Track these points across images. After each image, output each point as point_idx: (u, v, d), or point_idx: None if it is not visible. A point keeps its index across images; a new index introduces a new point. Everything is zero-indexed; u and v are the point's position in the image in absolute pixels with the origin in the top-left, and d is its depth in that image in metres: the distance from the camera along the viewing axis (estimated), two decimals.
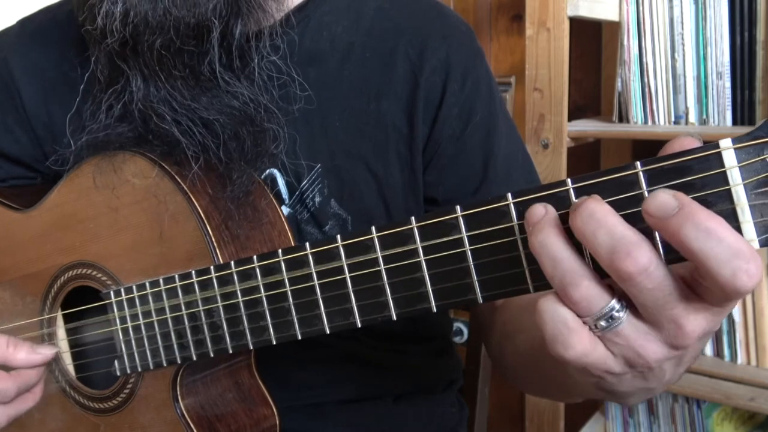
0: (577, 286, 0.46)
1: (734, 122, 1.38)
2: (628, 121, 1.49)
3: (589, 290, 0.46)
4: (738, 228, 0.43)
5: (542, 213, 0.47)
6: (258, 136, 0.74)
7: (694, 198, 0.44)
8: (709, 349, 1.49)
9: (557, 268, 0.46)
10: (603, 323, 0.46)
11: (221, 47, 0.72)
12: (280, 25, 0.79)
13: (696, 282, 0.45)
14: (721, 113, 1.38)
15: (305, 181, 0.83)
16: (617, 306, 0.46)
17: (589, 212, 0.44)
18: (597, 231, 0.44)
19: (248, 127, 0.74)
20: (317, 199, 0.83)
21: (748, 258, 0.41)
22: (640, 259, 0.43)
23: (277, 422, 0.80)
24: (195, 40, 0.71)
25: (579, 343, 0.47)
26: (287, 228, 0.77)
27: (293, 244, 0.77)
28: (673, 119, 1.44)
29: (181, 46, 0.71)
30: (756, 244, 0.43)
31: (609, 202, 0.46)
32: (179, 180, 0.73)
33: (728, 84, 1.36)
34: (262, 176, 0.82)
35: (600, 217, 0.44)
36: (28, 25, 0.93)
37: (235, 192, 0.73)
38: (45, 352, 0.78)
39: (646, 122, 1.47)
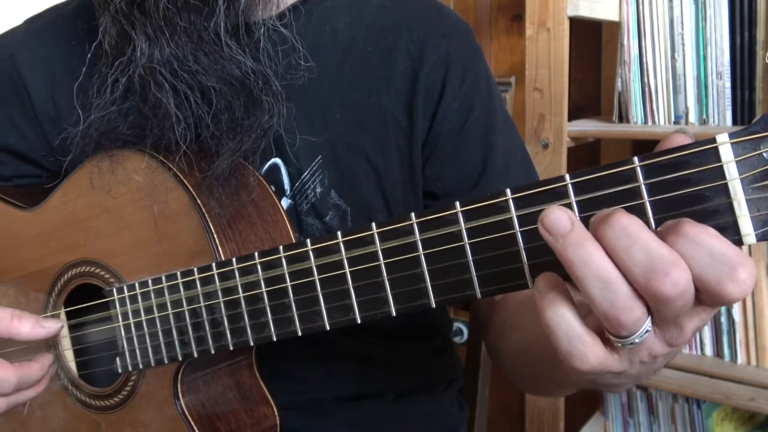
0: (630, 310, 0.44)
1: (734, 122, 1.38)
2: (628, 121, 1.49)
3: (639, 312, 0.44)
4: (735, 222, 0.44)
5: (568, 222, 0.44)
6: (251, 107, 0.75)
7: (691, 192, 0.44)
8: (709, 349, 1.49)
9: (609, 291, 0.43)
10: (637, 340, 0.46)
11: (227, 10, 0.73)
12: (286, 13, 0.80)
13: None
14: (721, 113, 1.38)
15: (306, 172, 0.83)
16: (649, 321, 0.45)
17: (621, 227, 0.43)
18: (631, 248, 0.42)
19: (242, 98, 0.74)
20: (318, 190, 0.84)
21: (734, 264, 0.41)
22: (680, 281, 0.42)
23: (278, 422, 0.80)
24: None
25: (596, 356, 0.47)
26: (288, 224, 0.78)
27: (293, 236, 0.78)
28: (673, 119, 1.44)
29: None
30: (752, 239, 0.43)
31: (606, 196, 0.46)
32: (182, 177, 0.73)
33: (728, 84, 1.36)
34: (266, 165, 0.83)
35: (633, 233, 0.43)
36: (35, 22, 0.93)
37: (219, 168, 0.73)
38: (50, 326, 0.77)
39: (646, 122, 1.47)
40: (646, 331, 0.45)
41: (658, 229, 0.45)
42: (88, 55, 0.82)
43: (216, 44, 0.73)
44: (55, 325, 0.78)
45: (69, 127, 0.81)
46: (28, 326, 0.76)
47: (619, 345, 0.46)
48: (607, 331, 0.46)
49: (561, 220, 0.44)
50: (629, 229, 0.43)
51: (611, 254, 0.43)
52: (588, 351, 0.46)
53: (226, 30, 0.73)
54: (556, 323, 0.46)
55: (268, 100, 0.75)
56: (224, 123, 0.74)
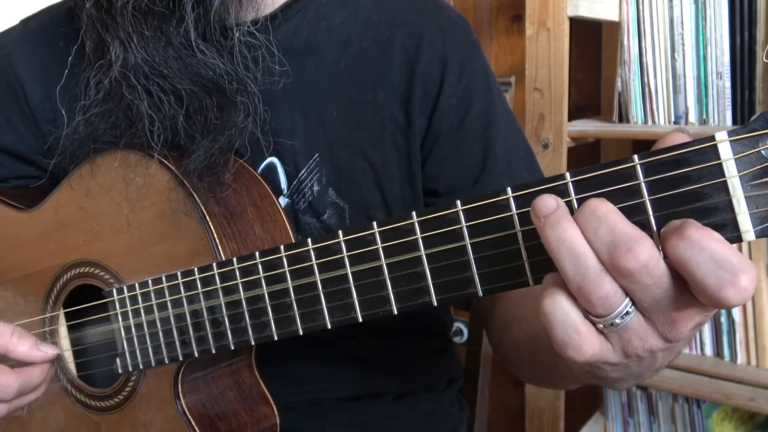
0: (599, 285, 0.45)
1: (734, 122, 1.38)
2: (628, 121, 1.49)
3: (609, 287, 0.45)
4: (734, 219, 0.44)
5: (554, 205, 0.46)
6: (224, 108, 0.75)
7: (690, 190, 0.45)
8: (709, 349, 1.50)
9: (579, 266, 0.45)
10: (618, 321, 0.46)
11: (198, 16, 0.73)
12: (274, 16, 0.80)
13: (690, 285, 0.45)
14: (721, 113, 1.38)
15: (303, 171, 0.83)
16: (629, 303, 0.46)
17: (591, 209, 0.45)
18: (599, 227, 0.44)
19: (215, 98, 0.75)
20: (315, 188, 0.83)
21: (736, 270, 0.41)
22: (641, 256, 0.43)
23: (278, 421, 0.81)
24: (165, 1, 0.72)
25: (590, 347, 0.47)
26: (287, 224, 0.78)
27: (292, 236, 0.78)
28: (673, 119, 1.44)
29: (150, 5, 0.72)
30: (751, 235, 0.43)
31: (607, 194, 0.47)
32: (182, 178, 0.73)
33: (728, 84, 1.36)
34: (263, 164, 0.83)
35: (602, 214, 0.45)
36: (30, 23, 0.93)
37: (193, 164, 0.73)
38: (47, 351, 0.78)
39: (646, 122, 1.47)
40: (627, 313, 0.46)
41: (662, 230, 0.45)
42: (70, 58, 0.83)
43: (186, 48, 0.74)
44: (52, 351, 0.79)
45: (54, 129, 0.82)
46: (25, 347, 0.77)
47: (601, 326, 0.47)
48: (587, 311, 0.47)
49: (548, 203, 0.46)
50: (598, 211, 0.45)
51: (584, 235, 0.45)
52: (583, 341, 0.47)
53: (197, 34, 0.74)
54: (551, 311, 0.47)
55: (243, 101, 0.75)
56: (198, 123, 0.75)
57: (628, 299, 0.46)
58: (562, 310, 0.47)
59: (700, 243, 0.42)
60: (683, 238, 0.42)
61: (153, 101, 0.74)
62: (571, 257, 0.45)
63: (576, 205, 0.48)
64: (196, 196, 0.72)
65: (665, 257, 0.44)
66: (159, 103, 0.74)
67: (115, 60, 0.74)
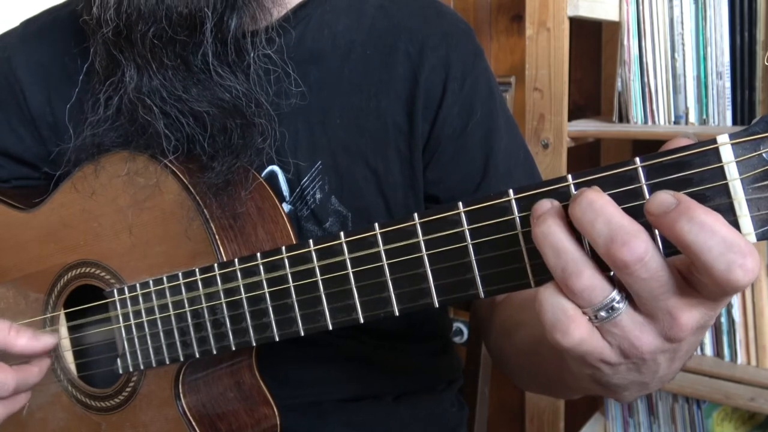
0: (579, 275, 0.46)
1: (734, 122, 1.38)
2: (628, 121, 1.49)
3: (591, 280, 0.46)
4: (735, 222, 0.44)
5: (547, 206, 0.48)
6: (246, 129, 0.75)
7: (692, 192, 0.45)
8: (709, 349, 1.50)
9: (560, 258, 0.46)
10: (603, 314, 0.47)
11: (216, 39, 0.73)
12: (279, 25, 0.80)
13: (692, 275, 0.45)
14: (721, 113, 1.38)
15: (306, 178, 0.83)
16: (617, 297, 0.47)
17: (588, 201, 0.45)
18: (595, 220, 0.45)
19: (237, 120, 0.74)
20: (318, 196, 0.83)
21: (744, 252, 0.42)
22: (636, 249, 0.44)
23: (278, 422, 0.81)
24: (188, 30, 0.72)
25: (577, 330, 0.47)
26: (289, 226, 0.78)
27: (293, 237, 0.78)
28: (673, 119, 1.44)
29: (173, 35, 0.71)
30: (753, 238, 0.44)
31: (609, 196, 0.47)
32: (183, 178, 0.73)
33: (728, 84, 1.37)
34: (264, 173, 0.83)
35: (598, 207, 0.45)
36: (31, 25, 0.93)
37: (211, 180, 0.73)
38: (46, 340, 0.78)
39: (646, 122, 1.47)
40: (612, 308, 0.47)
41: (651, 208, 0.44)
42: (80, 77, 0.82)
43: (205, 72, 0.74)
44: (51, 339, 0.78)
45: (61, 143, 0.82)
46: (24, 339, 0.76)
47: (587, 318, 0.48)
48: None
49: (542, 204, 0.48)
50: (595, 203, 0.45)
51: (580, 228, 0.46)
52: (571, 325, 0.47)
53: (215, 56, 0.74)
54: (543, 298, 0.48)
55: (261, 122, 0.75)
56: (220, 143, 0.75)
57: (614, 293, 0.47)
58: (554, 296, 0.48)
59: (712, 227, 0.42)
60: (696, 223, 0.42)
61: (170, 122, 0.74)
62: (552, 251, 0.47)
63: None
64: (198, 198, 0.72)
65: (665, 240, 0.45)
66: (178, 124, 0.74)
67: (129, 81, 0.74)
